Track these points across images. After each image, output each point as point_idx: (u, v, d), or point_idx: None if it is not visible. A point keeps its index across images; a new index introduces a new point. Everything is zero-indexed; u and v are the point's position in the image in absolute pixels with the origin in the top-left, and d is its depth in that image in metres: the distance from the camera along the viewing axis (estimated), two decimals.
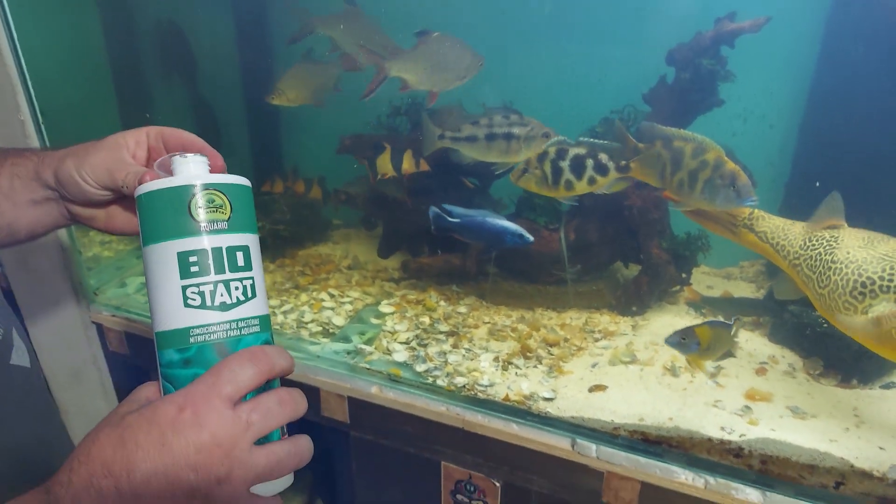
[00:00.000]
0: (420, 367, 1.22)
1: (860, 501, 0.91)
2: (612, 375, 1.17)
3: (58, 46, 1.56)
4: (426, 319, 1.37)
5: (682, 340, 1.06)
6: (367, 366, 1.23)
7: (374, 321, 1.39)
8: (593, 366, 1.21)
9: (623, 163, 1.14)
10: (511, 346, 1.27)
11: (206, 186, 0.56)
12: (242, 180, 0.59)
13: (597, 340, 1.28)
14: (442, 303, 1.44)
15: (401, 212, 1.48)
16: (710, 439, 1.00)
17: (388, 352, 1.27)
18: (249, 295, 0.57)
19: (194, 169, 0.59)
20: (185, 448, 0.50)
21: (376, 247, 1.62)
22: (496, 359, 1.23)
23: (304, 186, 1.61)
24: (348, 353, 1.28)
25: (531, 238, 1.18)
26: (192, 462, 0.50)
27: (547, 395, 1.12)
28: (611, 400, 1.11)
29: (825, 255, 0.99)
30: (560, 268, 1.34)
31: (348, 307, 1.45)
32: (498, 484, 1.10)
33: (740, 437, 1.00)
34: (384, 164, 1.37)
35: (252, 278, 0.58)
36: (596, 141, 1.15)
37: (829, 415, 1.05)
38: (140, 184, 0.59)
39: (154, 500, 0.49)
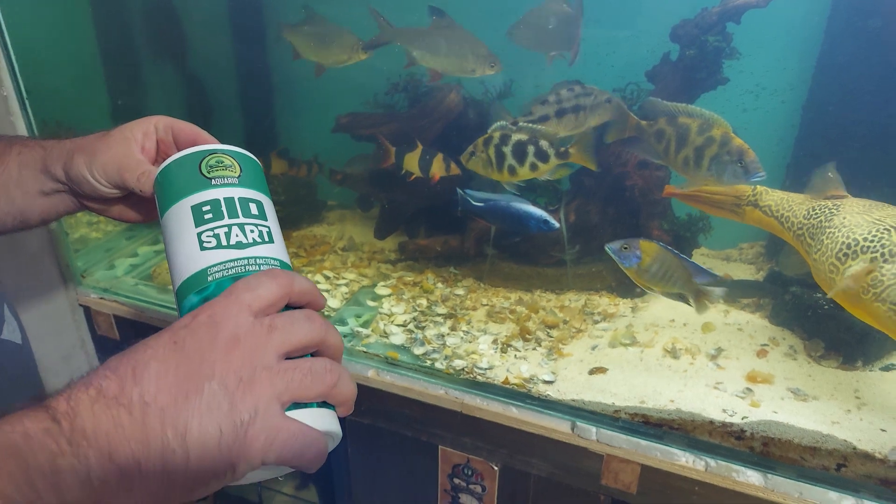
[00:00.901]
0: (418, 350, 1.20)
1: (862, 483, 0.91)
2: (612, 358, 1.16)
3: (44, 23, 1.51)
4: (423, 301, 1.35)
5: (622, 249, 1.01)
6: (364, 349, 1.21)
7: (371, 303, 1.37)
8: (593, 348, 1.19)
9: (563, 149, 1.13)
10: (510, 329, 1.25)
11: (215, 151, 0.58)
12: (252, 155, 0.61)
13: (596, 322, 1.27)
14: (439, 284, 1.42)
15: (399, 192, 1.45)
16: (711, 421, 0.99)
17: (386, 334, 1.25)
18: (266, 239, 0.56)
19: (200, 147, 0.61)
20: (199, 347, 0.43)
21: (372, 228, 1.59)
22: (495, 341, 1.22)
23: (305, 170, 1.58)
24: (345, 336, 1.25)
25: (556, 224, 1.16)
26: (210, 360, 0.43)
27: (547, 378, 1.11)
28: (611, 382, 1.10)
29: (825, 221, 0.98)
30: (559, 249, 1.32)
31: (344, 289, 1.42)
32: (496, 467, 1.09)
33: (742, 419, 0.99)
34: (411, 163, 1.31)
35: (268, 227, 0.57)
36: (536, 127, 1.14)
37: (831, 396, 1.04)
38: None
39: (167, 399, 0.41)
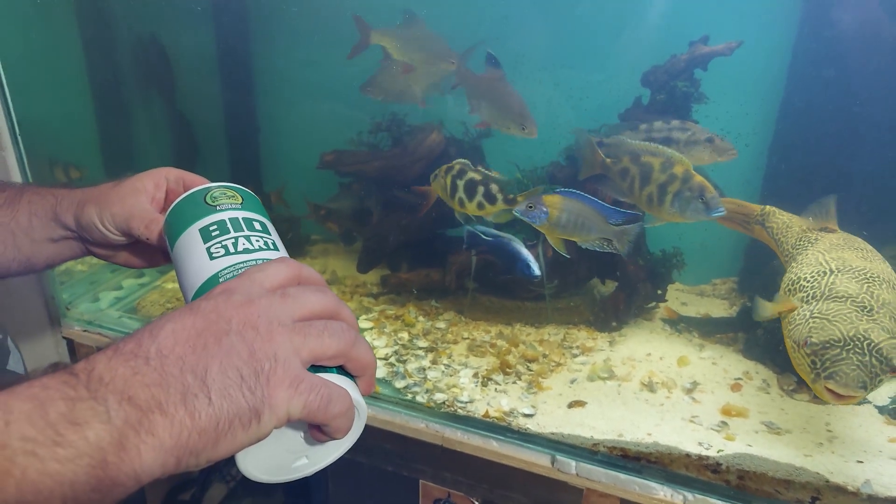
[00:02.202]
0: (399, 384, 1.21)
1: None
2: (590, 391, 1.18)
3: (37, 59, 1.55)
4: (405, 335, 1.37)
5: (529, 209, 1.00)
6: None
7: None
8: (572, 381, 1.21)
9: (511, 196, 1.17)
10: (490, 362, 1.27)
11: (218, 186, 0.63)
12: (250, 191, 0.66)
13: (575, 356, 1.29)
14: (421, 318, 1.44)
15: (381, 227, 1.48)
16: (688, 455, 1.01)
17: None
18: (271, 247, 0.58)
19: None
20: (215, 307, 0.44)
21: (355, 262, 1.61)
22: (476, 375, 1.23)
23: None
24: None
25: (538, 273, 1.18)
26: (226, 316, 0.44)
27: (526, 412, 1.12)
28: (590, 416, 1.11)
29: (800, 252, 1.01)
30: (538, 283, 1.34)
31: None
32: (477, 502, 1.09)
33: (718, 452, 1.01)
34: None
35: (272, 239, 0.60)
36: (490, 173, 1.20)
37: (803, 430, 1.06)
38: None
39: (185, 349, 0.42)
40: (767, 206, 1.12)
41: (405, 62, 1.28)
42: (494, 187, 1.18)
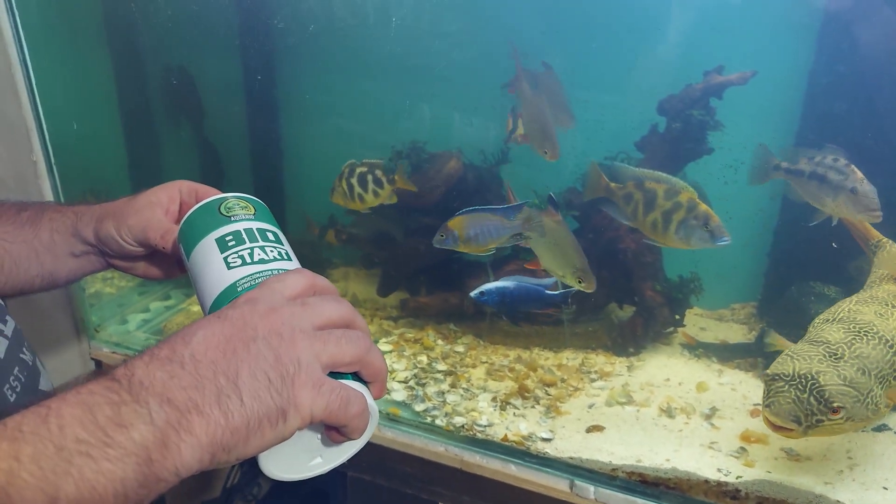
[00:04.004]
0: (419, 407, 1.22)
1: None
2: (608, 416, 1.18)
3: (71, 89, 1.61)
4: (424, 358, 1.39)
5: (441, 238, 1.09)
6: None
7: None
8: (590, 406, 1.22)
9: (391, 176, 1.33)
10: (509, 386, 1.28)
11: (232, 197, 0.65)
12: (260, 201, 0.68)
13: (593, 381, 1.30)
14: (440, 342, 1.45)
15: (400, 251, 1.51)
16: (706, 481, 1.01)
17: (387, 391, 1.28)
18: (286, 257, 0.61)
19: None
20: (242, 315, 0.48)
21: (374, 284, 1.64)
22: (494, 399, 1.24)
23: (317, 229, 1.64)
24: None
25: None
26: (252, 323, 0.47)
27: (545, 436, 1.13)
28: (608, 441, 1.12)
29: (861, 295, 1.01)
30: (556, 309, 1.36)
31: None
32: None
33: (737, 478, 1.01)
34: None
35: (286, 249, 0.62)
36: (373, 161, 1.33)
37: (823, 457, 1.06)
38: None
39: (216, 354, 0.45)
40: (883, 238, 1.12)
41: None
42: (378, 172, 1.33)
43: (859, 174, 0.99)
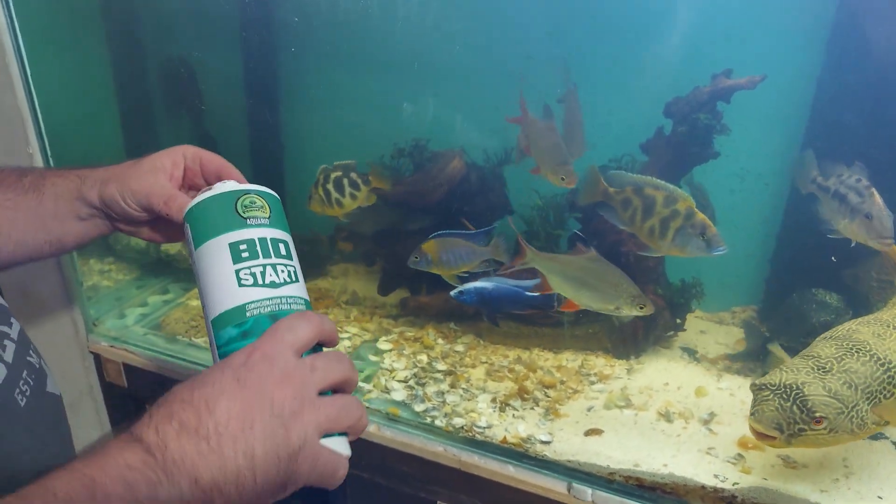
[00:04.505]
0: (418, 407, 1.23)
1: None
2: (607, 419, 1.19)
3: (67, 81, 1.59)
4: (424, 357, 1.39)
5: (415, 260, 1.14)
6: (367, 404, 1.24)
7: (373, 358, 1.40)
8: (589, 409, 1.22)
9: (366, 177, 1.35)
10: (508, 387, 1.28)
11: (248, 192, 0.65)
12: (271, 191, 0.68)
13: (592, 383, 1.30)
14: (440, 341, 1.46)
15: (402, 250, 1.50)
16: (703, 486, 1.02)
17: (387, 390, 1.28)
18: (294, 279, 0.63)
19: (231, 185, 0.67)
20: (259, 382, 0.52)
21: (374, 282, 1.64)
22: (493, 400, 1.25)
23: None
24: None
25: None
26: (269, 394, 0.52)
27: (544, 438, 1.14)
28: (606, 444, 1.12)
29: (868, 317, 1.02)
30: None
31: (347, 343, 1.46)
32: None
33: (733, 485, 1.01)
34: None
35: (294, 267, 0.64)
36: (346, 163, 1.34)
37: (820, 465, 1.06)
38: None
39: (236, 428, 0.50)
40: None
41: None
42: (354, 174, 1.35)
43: (878, 200, 1.00)
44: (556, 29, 1.32)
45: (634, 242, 1.27)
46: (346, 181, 1.35)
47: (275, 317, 0.59)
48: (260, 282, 0.60)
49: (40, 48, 1.28)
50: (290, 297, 0.61)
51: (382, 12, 1.42)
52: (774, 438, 0.89)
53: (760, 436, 0.90)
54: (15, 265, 0.80)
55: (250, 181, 0.71)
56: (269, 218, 0.64)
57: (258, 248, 0.61)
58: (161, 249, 1.70)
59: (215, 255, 0.61)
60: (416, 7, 1.38)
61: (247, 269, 0.60)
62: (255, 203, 0.64)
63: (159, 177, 0.74)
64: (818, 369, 0.91)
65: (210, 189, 0.66)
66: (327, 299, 1.63)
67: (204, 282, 0.62)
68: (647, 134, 1.30)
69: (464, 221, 1.40)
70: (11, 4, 1.22)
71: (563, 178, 1.17)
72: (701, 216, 1.03)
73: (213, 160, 0.77)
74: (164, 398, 0.52)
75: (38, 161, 1.32)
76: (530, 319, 1.41)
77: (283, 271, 0.62)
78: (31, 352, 0.76)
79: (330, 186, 1.35)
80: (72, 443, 0.83)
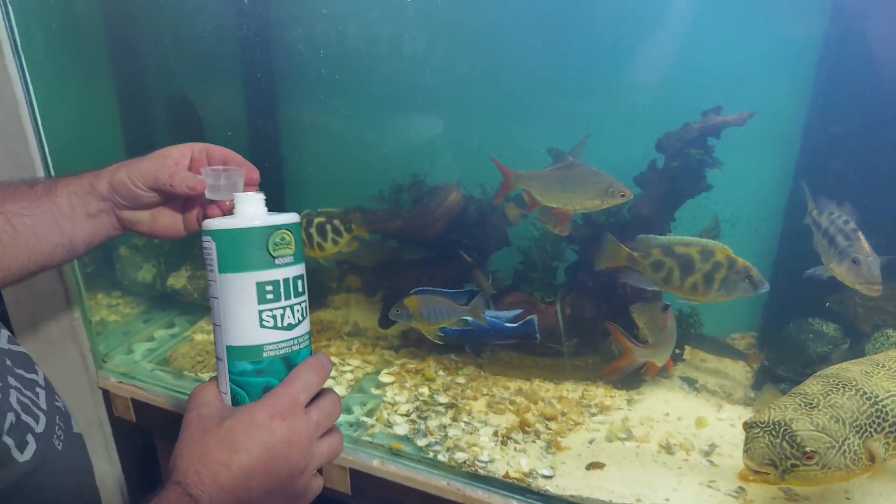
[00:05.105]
0: (421, 442, 1.24)
1: None
2: (608, 452, 1.20)
3: (74, 115, 1.62)
4: (425, 390, 1.40)
5: (397, 312, 1.19)
6: (370, 439, 1.25)
7: (375, 391, 1.41)
8: (590, 442, 1.23)
9: (349, 225, 1.41)
10: (510, 420, 1.29)
11: (279, 227, 0.67)
12: (297, 217, 0.71)
13: (593, 415, 1.31)
14: (441, 372, 1.47)
15: (404, 282, 1.52)
16: None
17: (389, 424, 1.30)
18: (304, 315, 0.70)
19: (257, 207, 0.70)
20: (281, 447, 0.64)
21: (376, 312, 1.65)
22: (495, 433, 1.26)
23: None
24: (350, 424, 1.30)
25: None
26: (286, 455, 0.65)
27: (546, 473, 1.15)
28: (608, 478, 1.13)
29: (862, 358, 1.03)
30: (556, 340, 1.37)
31: (349, 376, 1.47)
32: None
33: None
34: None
35: (305, 302, 0.71)
36: (330, 210, 1.41)
37: (822, 497, 1.07)
38: (208, 217, 0.77)
39: (260, 482, 0.63)
40: None
41: (557, 209, 1.23)
42: (337, 221, 1.42)
43: (864, 245, 1.01)
44: (551, 59, 1.34)
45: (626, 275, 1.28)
46: (329, 227, 1.41)
47: (286, 359, 0.68)
48: (279, 324, 0.66)
49: (47, 79, 1.32)
50: (301, 336, 0.70)
51: (383, 51, 1.46)
52: (769, 474, 0.90)
53: (755, 472, 0.92)
54: (26, 277, 0.85)
55: None
56: (293, 254, 0.68)
57: (282, 289, 0.66)
58: (167, 284, 1.73)
59: (241, 291, 0.66)
60: (417, 47, 1.41)
61: (269, 311, 0.66)
62: (284, 239, 0.67)
63: (167, 161, 0.81)
64: (805, 405, 0.92)
65: (239, 216, 0.69)
66: (330, 331, 1.65)
67: (224, 307, 0.66)
68: (641, 167, 1.31)
69: (462, 253, 1.42)
70: (22, 51, 1.26)
71: (622, 195, 1.15)
72: (741, 261, 1.05)
73: (220, 152, 0.84)
74: (203, 454, 0.62)
75: None
76: (531, 349, 1.42)
77: (297, 311, 0.68)
78: (56, 396, 0.79)
79: (313, 231, 1.42)
80: (94, 478, 0.86)
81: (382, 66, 1.49)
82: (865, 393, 0.92)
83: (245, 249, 0.66)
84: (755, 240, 1.02)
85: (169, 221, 0.87)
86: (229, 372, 0.68)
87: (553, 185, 1.19)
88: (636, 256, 1.12)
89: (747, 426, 0.94)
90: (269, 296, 0.66)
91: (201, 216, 0.88)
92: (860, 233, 1.00)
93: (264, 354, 0.66)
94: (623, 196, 1.14)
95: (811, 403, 0.92)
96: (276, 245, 0.66)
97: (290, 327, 0.68)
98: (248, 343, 0.66)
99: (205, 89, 1.67)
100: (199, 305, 1.72)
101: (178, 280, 1.72)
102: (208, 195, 0.79)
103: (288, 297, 0.67)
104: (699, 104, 1.23)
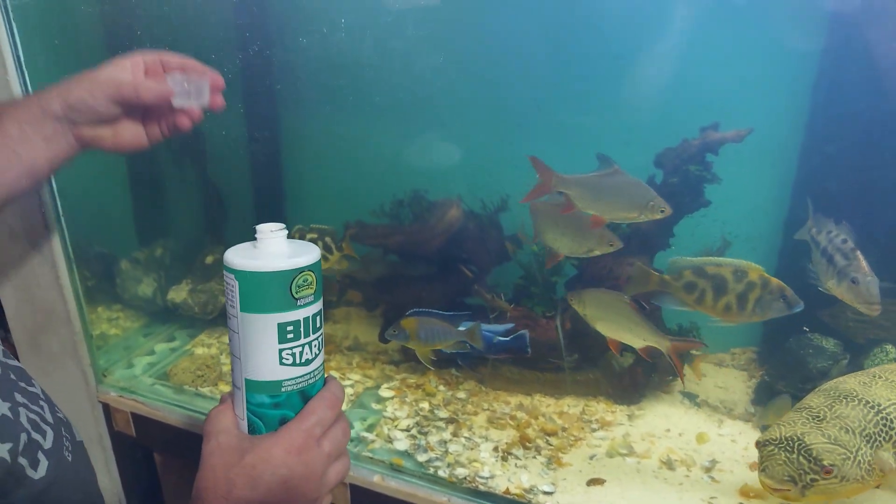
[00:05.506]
0: (421, 458, 1.24)
1: None
2: (609, 468, 1.20)
3: None
4: (426, 405, 1.40)
5: (394, 333, 1.20)
6: (370, 454, 1.25)
7: (375, 406, 1.41)
8: (591, 458, 1.23)
9: (340, 244, 1.42)
10: (510, 435, 1.29)
11: (302, 270, 0.67)
12: (318, 254, 0.70)
13: (594, 430, 1.31)
14: (441, 387, 1.47)
15: (404, 298, 1.52)
16: None
17: (390, 439, 1.29)
18: (320, 349, 0.72)
19: (279, 245, 0.69)
20: (298, 484, 0.67)
21: (376, 326, 1.65)
22: (496, 449, 1.26)
23: None
24: (351, 440, 1.30)
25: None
26: (302, 489, 0.68)
27: (546, 489, 1.14)
28: (609, 494, 1.13)
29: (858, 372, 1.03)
30: (557, 355, 1.37)
31: (349, 391, 1.47)
32: None
33: None
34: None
35: (321, 335, 0.72)
36: (322, 227, 1.41)
37: None
38: (178, 127, 0.81)
39: None
40: None
41: (593, 216, 1.18)
42: (328, 238, 1.42)
43: (863, 264, 1.01)
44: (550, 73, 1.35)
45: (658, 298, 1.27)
46: (320, 244, 1.39)
47: (303, 392, 0.70)
48: (297, 361, 0.68)
49: None
50: (317, 370, 0.72)
51: (386, 64, 1.47)
52: (788, 490, 0.89)
53: (775, 490, 0.91)
54: None
55: (255, 223, 0.71)
56: (314, 293, 0.68)
57: (302, 328, 0.67)
58: (167, 298, 1.73)
59: (262, 330, 0.66)
60: (420, 63, 1.42)
61: (289, 350, 0.67)
62: (307, 281, 0.67)
63: (124, 71, 0.78)
64: (813, 419, 0.92)
65: (261, 253, 0.68)
66: (330, 345, 1.65)
67: (245, 343, 0.67)
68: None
69: (462, 268, 1.43)
70: (23, 60, 1.26)
71: (662, 211, 1.12)
72: (775, 280, 1.04)
73: (177, 58, 0.81)
74: (229, 490, 0.64)
75: (51, 218, 1.35)
76: (532, 364, 1.42)
77: (315, 346, 0.70)
78: (56, 407, 0.80)
79: None
80: (98, 485, 0.86)
81: (385, 79, 1.50)
82: (868, 402, 0.92)
83: (269, 292, 0.66)
84: (754, 256, 1.03)
85: (132, 134, 0.85)
86: (247, 402, 0.70)
87: (594, 192, 1.16)
88: (668, 280, 1.12)
89: (760, 445, 0.93)
90: (290, 335, 0.67)
91: (165, 127, 0.88)
92: (858, 252, 1.01)
93: (282, 389, 0.68)
94: (663, 212, 1.11)
95: (818, 416, 0.92)
96: (300, 287, 0.66)
97: (308, 363, 0.69)
98: (266, 379, 0.68)
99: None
100: (199, 319, 1.72)
101: (179, 294, 1.72)
102: (176, 104, 0.78)
103: (307, 335, 0.68)
104: (697, 121, 1.24)
